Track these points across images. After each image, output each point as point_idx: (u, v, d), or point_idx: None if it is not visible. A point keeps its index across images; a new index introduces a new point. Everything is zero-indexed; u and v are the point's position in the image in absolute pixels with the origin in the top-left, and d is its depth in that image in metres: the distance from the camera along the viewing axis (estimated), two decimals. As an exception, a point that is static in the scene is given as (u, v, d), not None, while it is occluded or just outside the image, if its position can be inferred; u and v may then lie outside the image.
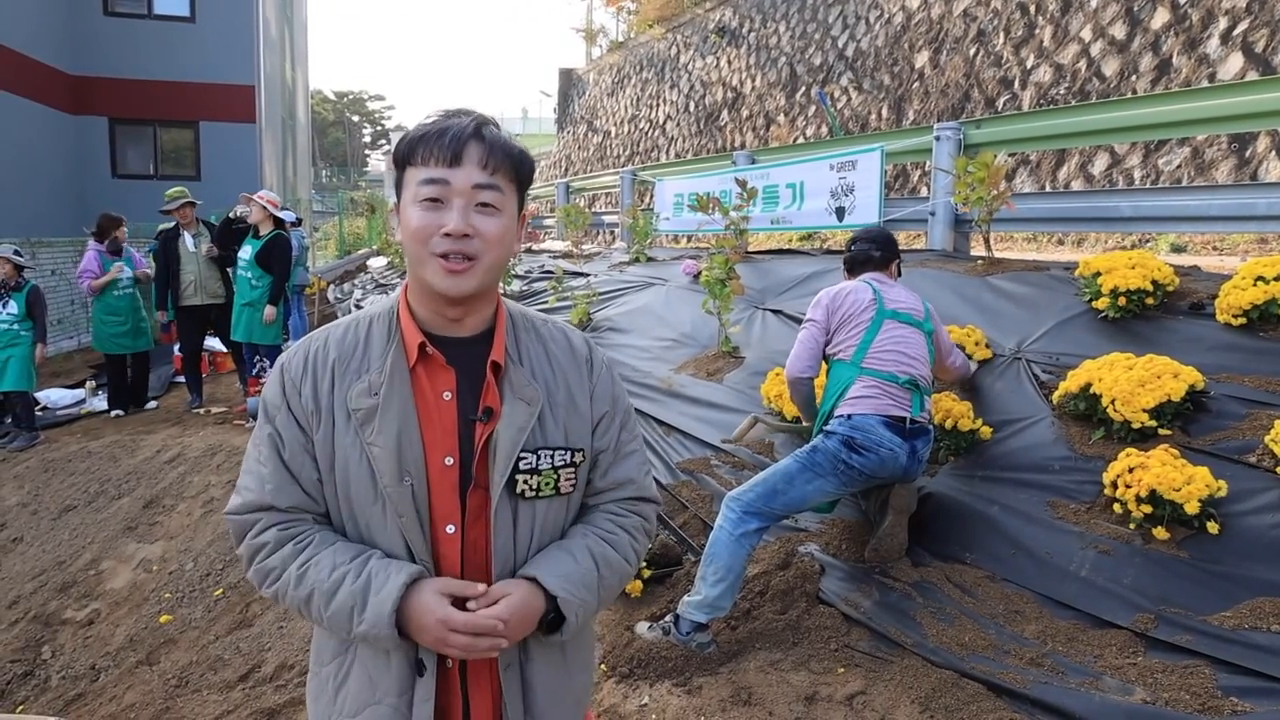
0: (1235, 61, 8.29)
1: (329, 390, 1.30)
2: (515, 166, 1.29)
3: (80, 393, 8.88)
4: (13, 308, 7.25)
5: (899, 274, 3.62)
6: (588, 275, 8.14)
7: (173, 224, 7.66)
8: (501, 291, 1.46)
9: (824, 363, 3.42)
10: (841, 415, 3.13)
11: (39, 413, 8.53)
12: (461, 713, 1.32)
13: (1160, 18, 9.22)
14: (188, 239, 7.55)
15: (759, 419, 4.07)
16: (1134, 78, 9.31)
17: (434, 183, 1.24)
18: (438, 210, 1.24)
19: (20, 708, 4.16)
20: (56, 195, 13.59)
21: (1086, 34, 10.05)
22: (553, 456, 1.32)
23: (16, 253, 7.46)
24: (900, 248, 3.78)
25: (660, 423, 4.76)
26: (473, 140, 1.25)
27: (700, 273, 5.85)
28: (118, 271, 7.77)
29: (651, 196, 9.79)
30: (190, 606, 4.58)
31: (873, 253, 3.55)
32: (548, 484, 1.32)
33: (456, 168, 1.24)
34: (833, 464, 3.08)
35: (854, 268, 3.60)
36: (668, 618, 3.16)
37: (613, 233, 11.79)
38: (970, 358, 3.87)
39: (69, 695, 4.11)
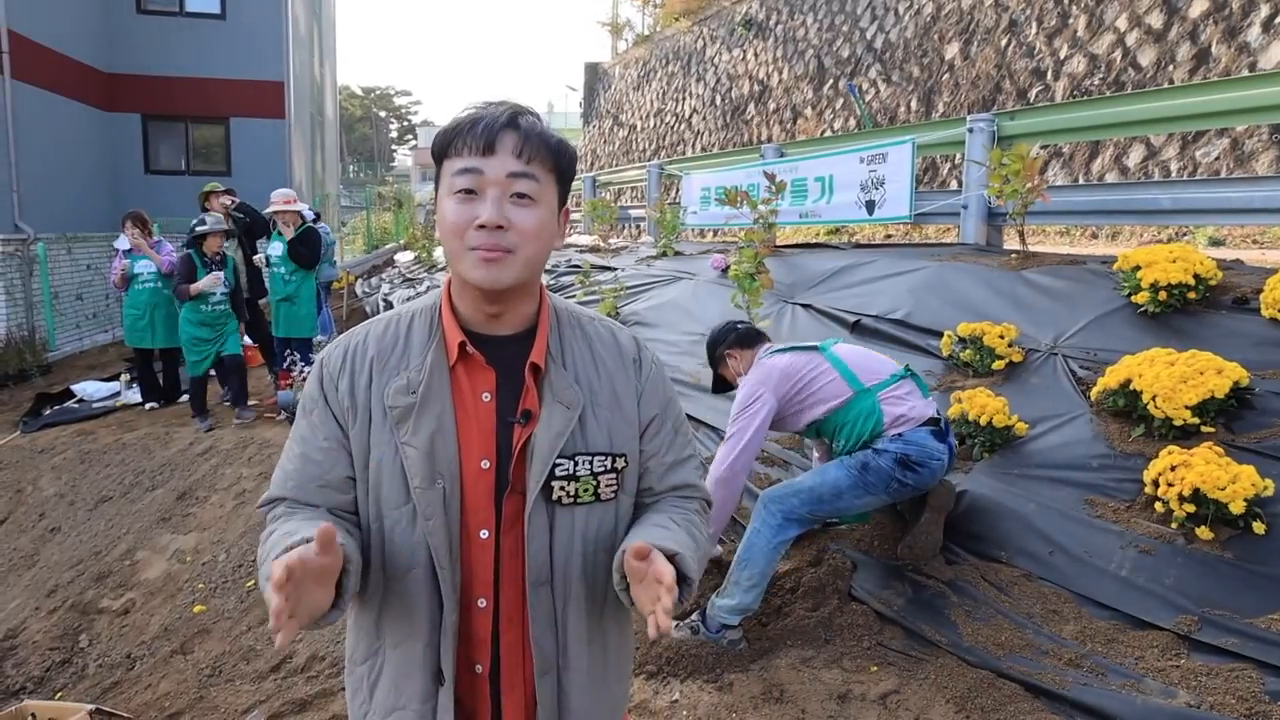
0: (1277, 50, 8.09)
1: (366, 386, 1.27)
2: (553, 156, 1.24)
3: (116, 385, 9.01)
4: (228, 283, 7.01)
5: None
6: (615, 269, 8.12)
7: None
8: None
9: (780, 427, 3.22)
10: (893, 434, 3.01)
11: (75, 405, 8.69)
12: (491, 718, 1.29)
13: (1199, 6, 9.02)
14: (220, 234, 7.62)
15: None
16: (1171, 67, 9.12)
17: (468, 173, 1.20)
18: (472, 202, 1.20)
19: (59, 694, 4.23)
20: (91, 191, 13.80)
21: (1122, 23, 9.87)
22: (591, 462, 1.27)
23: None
24: (932, 241, 3.71)
25: (689, 417, 4.74)
26: (507, 129, 1.21)
27: (728, 267, 5.82)
28: (125, 265, 7.81)
29: (678, 190, 9.76)
30: (223, 597, 4.63)
31: (752, 330, 3.42)
32: (586, 490, 1.27)
33: (490, 157, 1.19)
34: (885, 482, 2.98)
35: (751, 343, 3.40)
36: (694, 615, 3.13)
37: (639, 227, 11.78)
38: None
39: (105, 683, 4.18)
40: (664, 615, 1.08)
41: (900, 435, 2.99)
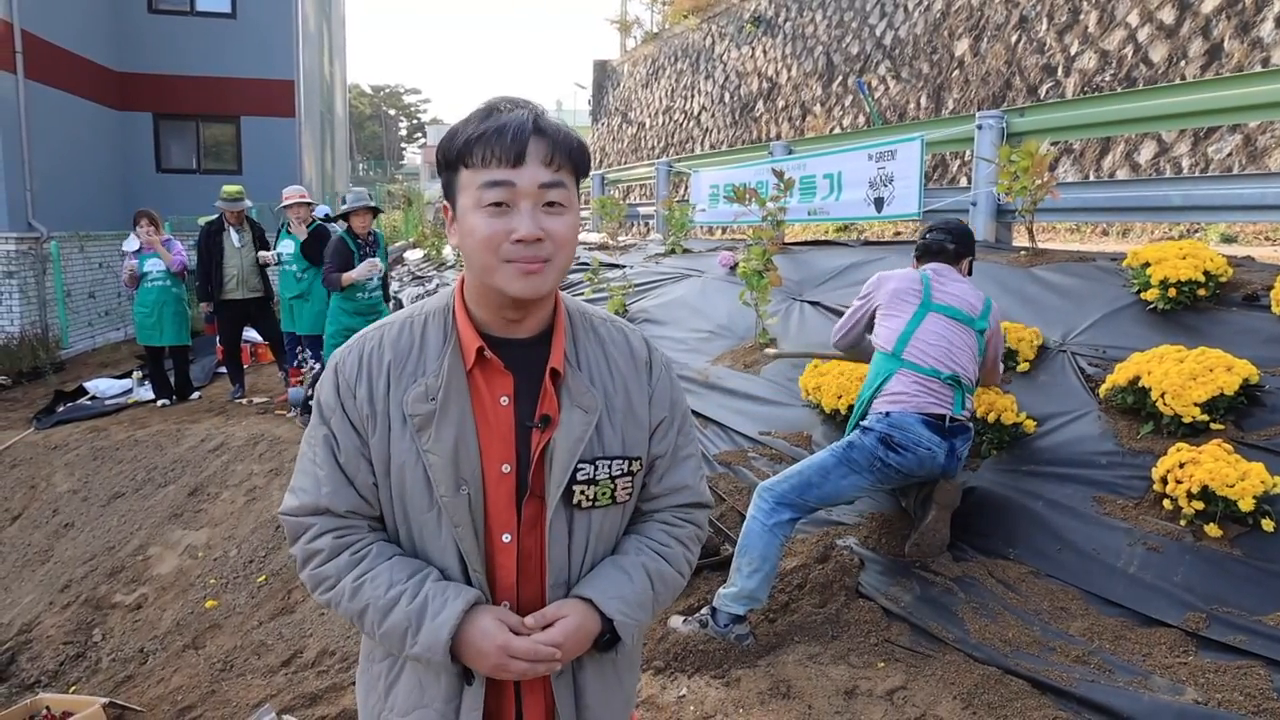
0: (1290, 45, 8.02)
1: (385, 393, 1.25)
2: (576, 160, 1.22)
3: (128, 383, 9.08)
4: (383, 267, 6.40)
5: (969, 271, 3.49)
6: (623, 267, 8.13)
7: (216, 217, 7.77)
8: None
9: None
10: (880, 412, 3.07)
11: (88, 402, 8.75)
12: (514, 717, 1.30)
13: (1211, 1, 8.96)
14: (233, 234, 7.66)
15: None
16: (1183, 63, 9.06)
17: (498, 185, 1.16)
18: (504, 215, 1.17)
19: (73, 688, 4.28)
20: (103, 189, 13.90)
21: (1133, 19, 9.81)
22: (610, 466, 1.28)
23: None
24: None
25: (697, 415, 4.75)
26: (535, 136, 1.17)
27: (737, 264, 5.82)
28: (132, 266, 7.84)
29: (687, 188, 9.75)
30: (234, 592, 4.67)
31: (946, 244, 3.43)
32: (604, 494, 1.28)
33: (520, 168, 1.16)
34: (869, 461, 3.03)
35: (922, 256, 3.50)
36: (703, 611, 3.14)
37: (648, 224, 11.76)
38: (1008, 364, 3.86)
39: (119, 677, 4.22)
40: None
41: (888, 415, 3.04)
